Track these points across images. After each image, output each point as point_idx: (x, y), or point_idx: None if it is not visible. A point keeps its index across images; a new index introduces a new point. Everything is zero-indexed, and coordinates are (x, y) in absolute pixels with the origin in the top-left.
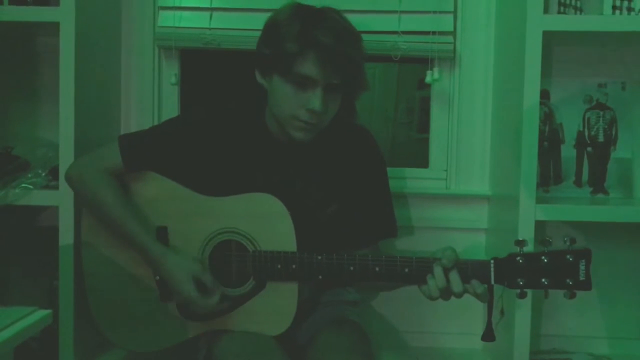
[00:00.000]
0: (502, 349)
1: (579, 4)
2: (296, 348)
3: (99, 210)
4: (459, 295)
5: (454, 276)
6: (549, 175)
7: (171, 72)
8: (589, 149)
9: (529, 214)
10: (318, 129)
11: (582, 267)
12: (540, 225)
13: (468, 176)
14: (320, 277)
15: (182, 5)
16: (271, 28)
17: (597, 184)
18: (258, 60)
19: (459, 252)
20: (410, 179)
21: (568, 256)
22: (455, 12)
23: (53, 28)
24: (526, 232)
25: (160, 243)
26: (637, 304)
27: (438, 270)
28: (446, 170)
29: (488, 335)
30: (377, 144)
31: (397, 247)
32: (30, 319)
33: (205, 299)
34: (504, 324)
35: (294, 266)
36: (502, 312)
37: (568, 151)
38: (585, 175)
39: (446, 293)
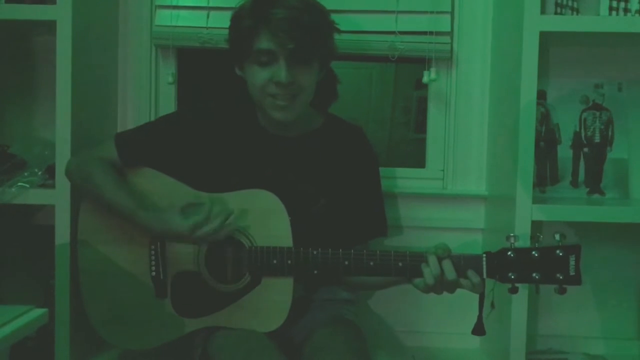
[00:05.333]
0: (499, 349)
1: (575, 5)
2: (292, 346)
3: (94, 191)
4: (452, 286)
5: (447, 265)
6: (546, 176)
7: (168, 71)
8: (586, 149)
9: (525, 214)
10: (296, 105)
11: (572, 262)
12: (536, 226)
13: (465, 176)
14: (315, 272)
15: (180, 4)
16: (232, 17)
17: (594, 184)
18: (230, 54)
19: (455, 251)
20: (407, 179)
21: (558, 251)
22: (452, 13)
23: (50, 26)
24: (523, 232)
25: (147, 209)
26: (632, 304)
27: (432, 259)
28: (443, 170)
29: (478, 329)
30: (369, 143)
31: (393, 247)
32: (27, 318)
33: (202, 215)
34: (500, 324)
35: (289, 261)
36: (492, 305)
37: (564, 151)
38: (581, 176)
39: (439, 283)
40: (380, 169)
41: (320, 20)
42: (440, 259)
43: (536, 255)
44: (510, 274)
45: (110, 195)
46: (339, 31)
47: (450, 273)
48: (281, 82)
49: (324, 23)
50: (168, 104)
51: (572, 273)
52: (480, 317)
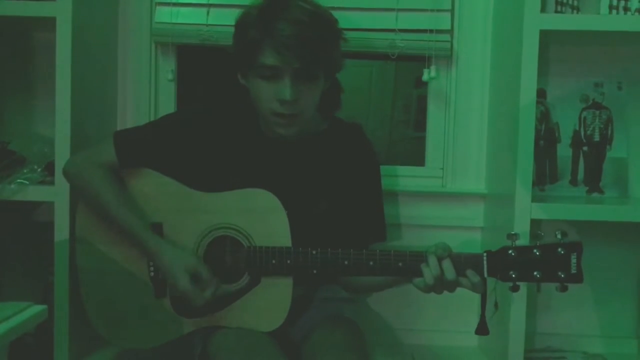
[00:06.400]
0: (497, 347)
1: (576, 3)
2: (291, 345)
3: (95, 204)
4: (452, 285)
5: (447, 264)
6: (545, 174)
7: (168, 68)
8: (585, 148)
9: (524, 212)
10: (299, 122)
11: (573, 260)
12: (535, 224)
13: (464, 174)
14: (314, 271)
15: (180, 1)
16: (237, 24)
17: (593, 183)
18: (234, 61)
19: (455, 249)
20: (407, 177)
21: (559, 249)
22: (452, 11)
23: (49, 23)
24: (522, 230)
25: (156, 235)
26: (631, 302)
27: (432, 259)
28: (442, 169)
29: (482, 328)
30: (370, 143)
31: (392, 246)
32: (26, 315)
33: (200, 292)
34: (499, 323)
35: (288, 261)
36: (496, 305)
37: (564, 150)
38: (580, 174)
39: (440, 283)
40: (380, 166)
41: (327, 33)
42: (440, 259)
43: (537, 253)
44: (511, 273)
45: (117, 212)
46: (346, 40)
47: (450, 273)
48: (286, 100)
49: (330, 36)
50: (168, 101)
51: (573, 271)
52: (483, 317)
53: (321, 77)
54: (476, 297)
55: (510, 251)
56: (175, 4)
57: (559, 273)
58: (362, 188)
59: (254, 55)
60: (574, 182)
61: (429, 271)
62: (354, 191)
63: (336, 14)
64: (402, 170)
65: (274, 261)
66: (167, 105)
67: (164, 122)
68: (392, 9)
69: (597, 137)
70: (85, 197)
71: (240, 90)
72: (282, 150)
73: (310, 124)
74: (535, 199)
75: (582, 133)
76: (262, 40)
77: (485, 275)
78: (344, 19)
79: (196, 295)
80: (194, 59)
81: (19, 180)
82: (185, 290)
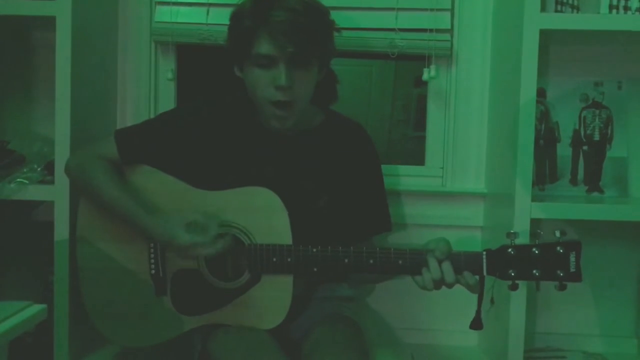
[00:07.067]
0: (497, 347)
1: (576, 3)
2: (291, 343)
3: (96, 193)
4: (451, 286)
5: (447, 267)
6: (545, 174)
7: (168, 68)
8: (585, 147)
9: (524, 212)
10: (294, 111)
11: (572, 259)
12: (535, 223)
13: (464, 174)
14: (315, 269)
15: (179, 0)
16: (232, 16)
17: (593, 182)
18: (229, 53)
19: (454, 248)
20: (407, 177)
21: (558, 248)
22: (452, 10)
23: (49, 22)
24: (522, 230)
25: (153, 214)
26: (630, 302)
27: (432, 262)
28: (442, 168)
29: (476, 323)
30: (370, 138)
31: (392, 245)
32: (25, 314)
33: (204, 236)
34: (499, 322)
35: (289, 259)
36: (492, 301)
37: (564, 150)
38: (580, 174)
39: (439, 283)
40: (380, 159)
41: (319, 21)
42: (440, 262)
43: (536, 252)
44: (510, 271)
45: (113, 197)
46: (339, 30)
47: (449, 276)
48: (281, 86)
49: (323, 24)
50: (167, 101)
51: (572, 270)
52: (478, 312)
53: (315, 65)
54: (476, 296)
55: (509, 250)
56: (175, 4)
57: (558, 272)
58: (364, 178)
59: (250, 44)
60: (573, 181)
61: (429, 275)
62: (357, 182)
63: (336, 13)
64: (402, 169)
65: (274, 259)
66: (167, 104)
67: (164, 119)
68: (392, 9)
69: (597, 137)
70: (86, 189)
71: (238, 86)
72: (281, 143)
73: (306, 116)
74: (535, 198)
75: (582, 132)
76: (257, 28)
77: (485, 273)
78: (344, 19)
79: (201, 240)
80: (194, 58)
81: (18, 180)
82: (188, 244)
